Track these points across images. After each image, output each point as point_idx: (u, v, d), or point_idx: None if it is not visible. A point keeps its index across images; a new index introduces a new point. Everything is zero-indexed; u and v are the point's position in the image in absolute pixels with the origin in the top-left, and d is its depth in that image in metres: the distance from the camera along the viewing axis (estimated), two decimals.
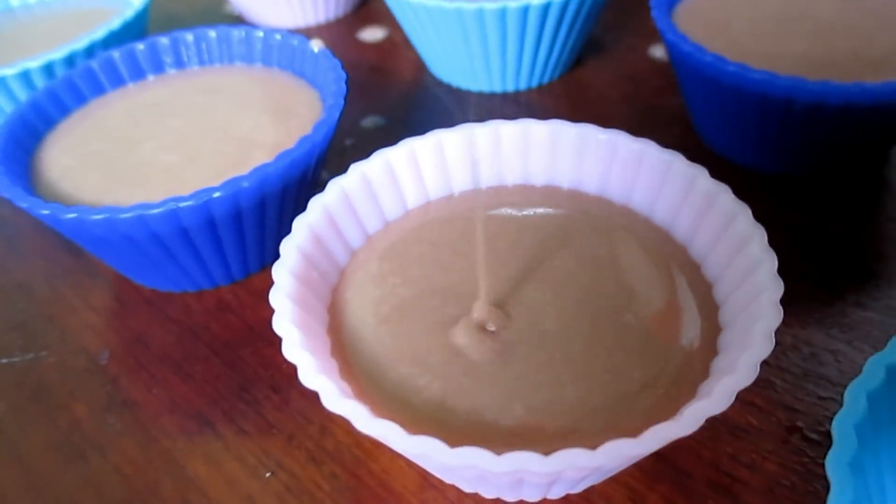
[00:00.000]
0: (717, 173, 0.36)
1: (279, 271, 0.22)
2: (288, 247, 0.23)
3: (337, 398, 0.19)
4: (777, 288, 0.20)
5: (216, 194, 0.26)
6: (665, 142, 0.38)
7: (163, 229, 0.27)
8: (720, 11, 0.36)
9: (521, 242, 0.25)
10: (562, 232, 0.26)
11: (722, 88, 0.32)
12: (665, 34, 0.33)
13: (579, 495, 0.23)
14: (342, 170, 0.26)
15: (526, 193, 0.28)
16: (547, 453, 0.17)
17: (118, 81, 0.37)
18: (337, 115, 0.30)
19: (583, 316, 0.23)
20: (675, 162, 0.25)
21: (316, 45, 0.34)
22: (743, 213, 0.23)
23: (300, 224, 0.24)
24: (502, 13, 0.37)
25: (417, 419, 0.20)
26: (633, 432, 0.18)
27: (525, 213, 0.27)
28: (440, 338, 0.22)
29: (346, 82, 0.32)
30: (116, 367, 0.29)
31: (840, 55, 0.32)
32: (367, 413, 0.18)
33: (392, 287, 0.24)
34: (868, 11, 0.35)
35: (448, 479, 0.24)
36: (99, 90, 0.36)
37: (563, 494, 0.23)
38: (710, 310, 0.23)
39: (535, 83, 0.43)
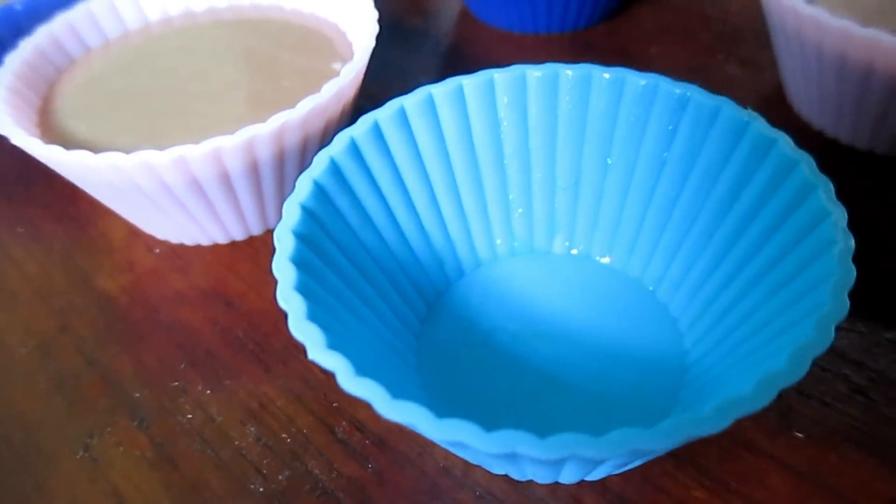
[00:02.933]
0: (484, 41, 0.42)
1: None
2: (13, 56, 0.30)
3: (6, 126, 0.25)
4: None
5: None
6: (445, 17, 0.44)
7: None
8: None
9: (222, 41, 0.33)
10: (255, 30, 0.34)
11: None
12: None
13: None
14: None
15: (237, 12, 0.35)
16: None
17: None
18: None
19: (247, 82, 0.30)
20: None
21: None
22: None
23: (28, 41, 0.31)
24: None
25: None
26: None
27: (228, 24, 0.35)
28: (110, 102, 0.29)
29: None
30: None
31: None
32: (23, 134, 0.25)
33: (93, 75, 0.31)
34: None
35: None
36: None
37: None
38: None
39: None
